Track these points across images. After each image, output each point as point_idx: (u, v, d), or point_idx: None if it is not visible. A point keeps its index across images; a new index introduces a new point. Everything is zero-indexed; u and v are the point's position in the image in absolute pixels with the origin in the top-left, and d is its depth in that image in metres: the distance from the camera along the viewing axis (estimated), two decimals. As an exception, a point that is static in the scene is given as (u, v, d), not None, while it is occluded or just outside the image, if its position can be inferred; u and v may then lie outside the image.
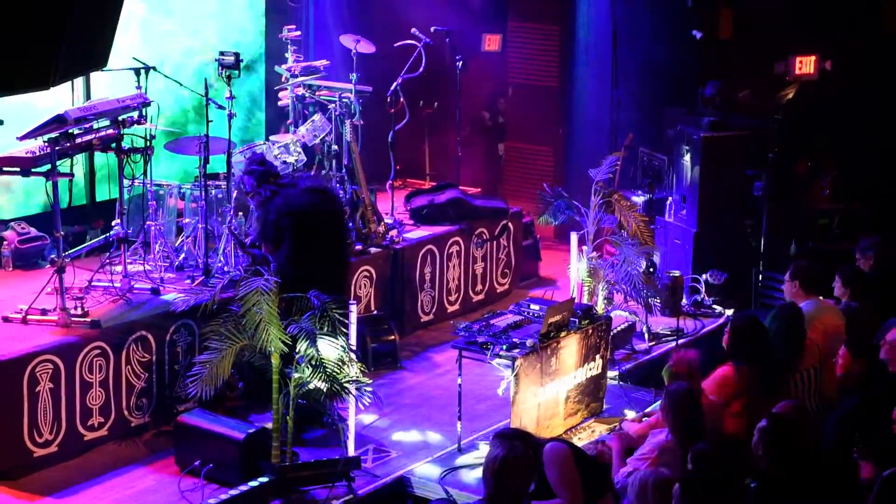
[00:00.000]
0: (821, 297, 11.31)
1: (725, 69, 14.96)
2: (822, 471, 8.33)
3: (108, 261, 11.35)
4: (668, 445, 8.84)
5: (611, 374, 11.56)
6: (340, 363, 9.49)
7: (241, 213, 11.87)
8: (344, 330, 9.72)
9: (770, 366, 10.04)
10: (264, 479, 9.34)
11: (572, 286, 12.39)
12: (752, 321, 10.33)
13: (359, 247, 12.69)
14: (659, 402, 9.42)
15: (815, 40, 14.43)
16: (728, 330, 10.37)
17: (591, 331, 10.98)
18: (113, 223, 11.49)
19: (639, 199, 14.41)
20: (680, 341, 12.66)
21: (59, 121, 10.44)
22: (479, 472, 9.50)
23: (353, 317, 10.08)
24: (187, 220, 11.95)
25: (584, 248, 12.16)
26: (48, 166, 10.39)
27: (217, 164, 11.93)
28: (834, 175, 14.88)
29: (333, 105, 13.06)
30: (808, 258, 12.01)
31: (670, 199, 14.58)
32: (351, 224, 12.61)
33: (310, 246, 10.32)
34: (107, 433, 10.45)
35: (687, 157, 14.18)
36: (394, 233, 13.14)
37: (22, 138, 10.48)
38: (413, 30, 14.17)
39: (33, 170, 10.46)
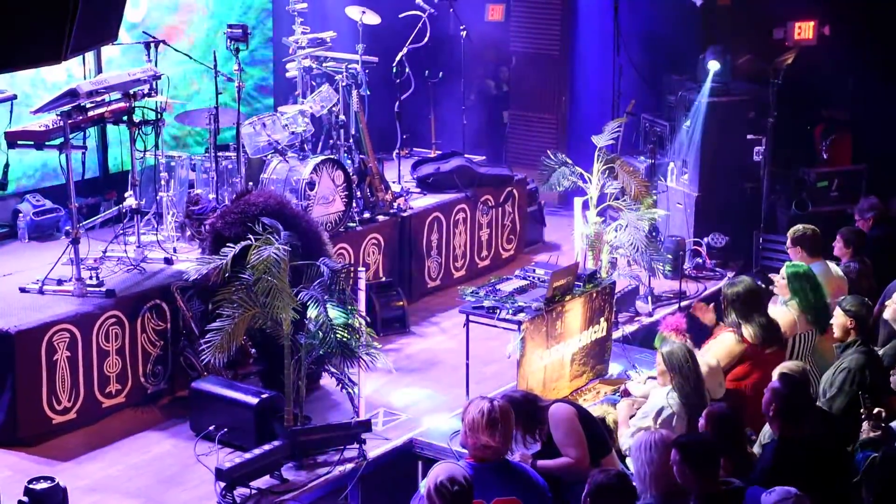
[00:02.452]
0: (826, 261, 11.47)
1: (725, 35, 15.05)
2: (829, 428, 8.53)
3: (121, 231, 11.54)
4: (668, 404, 9.00)
5: (615, 335, 11.69)
6: (350, 329, 9.64)
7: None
8: (353, 296, 9.91)
9: (768, 325, 10.21)
10: (277, 443, 9.49)
11: (576, 251, 12.50)
12: (746, 283, 10.49)
13: (367, 215, 12.86)
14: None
15: (813, 6, 14.51)
16: (722, 296, 10.54)
17: (595, 294, 11.11)
18: (126, 194, 11.67)
19: (641, 164, 14.54)
20: (682, 303, 12.83)
21: (71, 94, 10.56)
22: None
23: (363, 283, 10.26)
24: (199, 191, 12.09)
25: (588, 213, 12.26)
26: (61, 139, 10.54)
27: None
28: (832, 138, 14.99)
29: (340, 76, 13.15)
30: (803, 223, 12.13)
31: (672, 164, 14.71)
32: (359, 193, 12.78)
33: None
34: (124, 400, 10.64)
35: (688, 123, 14.30)
36: (401, 201, 13.28)
37: (35, 112, 10.64)
38: (418, 0, 14.30)
39: (47, 143, 10.60)
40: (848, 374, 9.36)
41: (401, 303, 12.53)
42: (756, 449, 8.62)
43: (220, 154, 12.07)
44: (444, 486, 7.28)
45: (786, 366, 9.15)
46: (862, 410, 8.51)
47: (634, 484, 7.68)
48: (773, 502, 6.95)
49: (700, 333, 10.54)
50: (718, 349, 10.10)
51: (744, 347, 10.04)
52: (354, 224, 12.62)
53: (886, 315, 10.23)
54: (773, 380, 8.50)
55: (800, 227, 11.67)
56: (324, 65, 13.36)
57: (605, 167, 12.22)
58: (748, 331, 10.05)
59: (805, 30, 14.34)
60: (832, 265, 11.46)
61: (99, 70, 12.69)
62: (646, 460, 7.60)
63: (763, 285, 11.00)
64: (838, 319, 9.83)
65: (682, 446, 7.47)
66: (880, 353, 9.86)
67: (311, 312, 9.50)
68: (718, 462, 7.59)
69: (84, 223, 11.13)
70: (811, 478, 7.65)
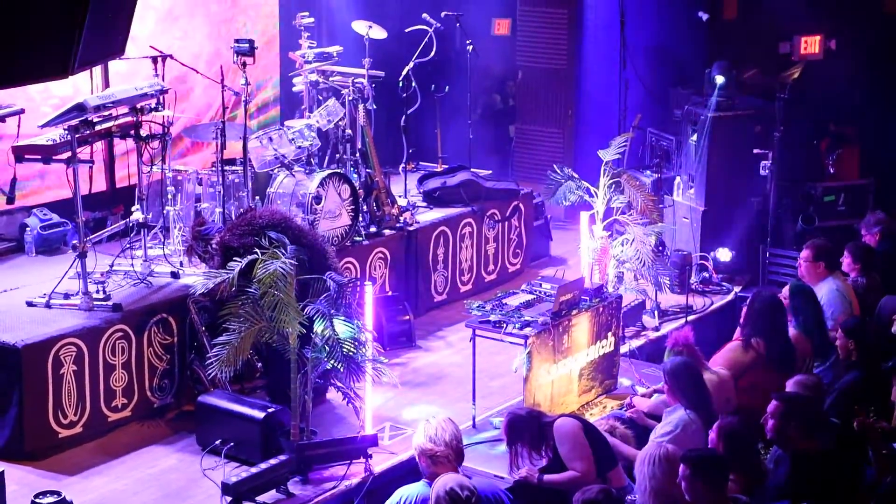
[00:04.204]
0: (840, 275, 11.51)
1: (731, 50, 15.06)
2: (841, 443, 8.55)
3: (128, 245, 11.56)
4: (690, 419, 9.02)
5: (621, 350, 11.68)
6: (357, 343, 9.63)
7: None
8: (359, 310, 9.91)
9: (783, 342, 10.23)
10: (284, 457, 9.47)
11: (583, 265, 12.50)
12: (771, 298, 10.55)
13: (373, 229, 12.86)
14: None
15: (819, 20, 14.53)
16: (747, 305, 10.60)
17: (602, 309, 11.11)
18: (133, 208, 11.69)
19: (647, 178, 14.54)
20: (689, 318, 12.83)
21: (78, 109, 10.59)
22: (492, 449, 9.74)
23: (369, 297, 10.26)
24: (205, 205, 12.10)
25: (594, 227, 12.26)
26: (69, 154, 10.56)
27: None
28: (839, 153, 14.98)
29: (347, 90, 13.16)
30: (822, 236, 12.14)
31: (678, 178, 14.70)
32: (365, 207, 12.79)
33: None
34: (130, 414, 10.63)
35: (694, 137, 14.30)
36: (407, 215, 13.27)
37: (43, 127, 10.67)
38: (424, 15, 14.33)
39: (54, 157, 10.63)
40: (839, 395, 9.40)
41: (407, 317, 12.53)
42: (769, 461, 8.62)
43: (226, 168, 12.08)
44: (454, 493, 7.36)
45: (797, 380, 9.17)
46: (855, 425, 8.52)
47: (635, 496, 7.72)
48: None
49: (709, 347, 10.56)
50: (726, 358, 10.14)
51: (752, 357, 10.07)
52: (361, 238, 12.62)
53: (895, 329, 10.26)
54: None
55: (820, 240, 11.67)
56: (330, 79, 13.37)
57: (611, 181, 12.21)
58: (757, 341, 10.10)
59: (811, 44, 14.35)
60: (847, 282, 11.49)
61: (106, 84, 12.71)
62: (647, 474, 7.65)
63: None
64: (840, 340, 9.86)
65: (692, 461, 7.48)
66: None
67: (318, 327, 9.50)
68: (727, 476, 7.60)
69: (91, 237, 11.12)
70: (825, 493, 7.64)
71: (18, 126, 10.86)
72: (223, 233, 10.55)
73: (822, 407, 8.87)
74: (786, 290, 11.06)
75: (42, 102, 12.16)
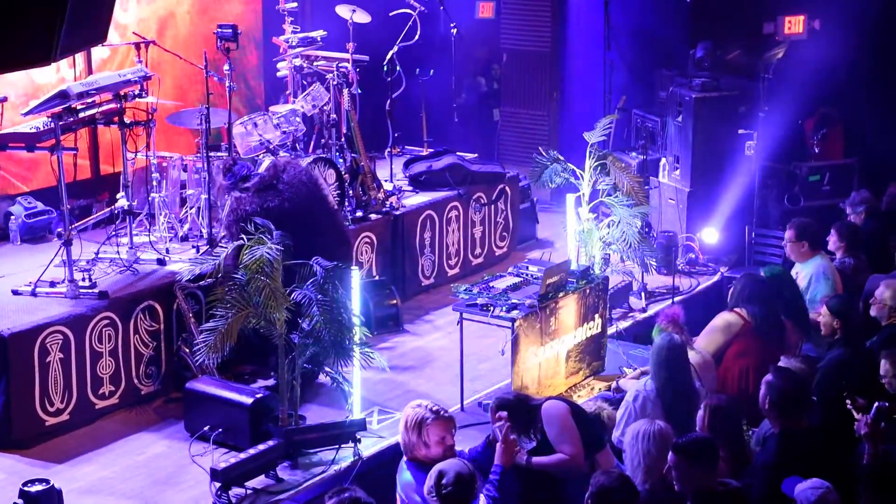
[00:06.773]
0: (825, 255, 11.53)
1: (715, 31, 15.05)
2: (824, 421, 8.55)
3: (113, 233, 11.53)
4: (647, 394, 9.03)
5: (608, 331, 11.69)
6: (344, 328, 9.62)
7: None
8: (346, 295, 9.90)
9: (768, 310, 10.26)
10: (272, 443, 9.48)
11: (569, 247, 12.50)
12: (755, 274, 10.60)
13: (359, 213, 12.84)
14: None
15: (802, 0, 14.55)
16: (733, 284, 10.64)
17: (588, 291, 11.12)
18: (117, 195, 11.66)
19: (633, 160, 14.53)
20: (676, 299, 12.84)
21: (61, 96, 10.56)
22: (480, 432, 9.72)
23: (356, 282, 10.26)
24: (191, 192, 12.09)
25: (580, 209, 12.26)
26: (52, 141, 10.52)
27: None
28: (824, 132, 15.00)
29: (331, 75, 13.15)
30: (806, 216, 12.13)
31: (664, 159, 14.69)
32: (351, 191, 12.77)
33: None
34: (117, 401, 10.63)
35: (679, 118, 14.28)
36: (393, 199, 13.26)
37: (26, 114, 10.64)
38: (407, -2, 14.32)
39: (38, 145, 10.60)
40: (827, 372, 9.42)
41: (394, 301, 12.51)
42: (754, 443, 8.63)
43: (211, 154, 12.04)
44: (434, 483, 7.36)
45: (789, 363, 9.19)
46: (849, 405, 8.52)
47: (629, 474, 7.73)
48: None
49: (696, 327, 10.58)
50: (716, 325, 10.19)
51: (742, 324, 10.10)
52: (347, 223, 12.59)
53: (873, 312, 10.25)
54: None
55: (803, 219, 11.69)
56: (314, 64, 13.37)
57: (596, 163, 12.21)
58: (740, 310, 10.14)
59: (795, 24, 14.37)
60: (831, 262, 11.50)
61: (89, 71, 12.66)
62: (642, 450, 7.65)
63: None
64: (824, 318, 9.88)
65: (681, 448, 7.46)
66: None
67: (305, 312, 9.48)
68: (718, 459, 7.59)
69: (76, 225, 11.12)
70: (814, 471, 7.65)
71: (1, 114, 10.83)
72: (240, 198, 10.51)
73: (807, 390, 8.86)
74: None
75: (25, 90, 12.13)
